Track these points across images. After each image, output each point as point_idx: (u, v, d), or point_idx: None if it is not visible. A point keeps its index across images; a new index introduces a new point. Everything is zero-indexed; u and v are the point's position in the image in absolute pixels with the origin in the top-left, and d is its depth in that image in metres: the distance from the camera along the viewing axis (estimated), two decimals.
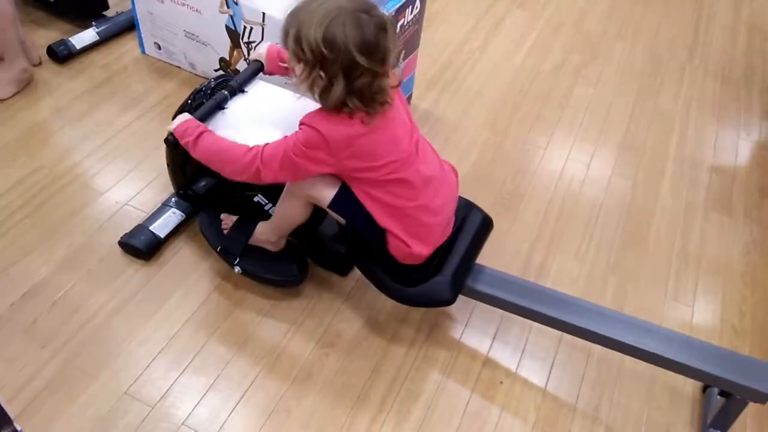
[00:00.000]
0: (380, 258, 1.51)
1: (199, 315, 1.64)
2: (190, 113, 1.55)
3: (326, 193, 1.46)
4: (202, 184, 1.74)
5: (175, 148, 1.60)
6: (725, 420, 1.50)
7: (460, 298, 1.55)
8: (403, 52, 2.09)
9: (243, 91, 1.67)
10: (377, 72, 1.29)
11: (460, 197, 1.63)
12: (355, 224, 1.49)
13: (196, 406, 1.48)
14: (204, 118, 1.55)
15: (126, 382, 1.50)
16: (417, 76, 2.35)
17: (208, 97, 1.63)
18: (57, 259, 1.72)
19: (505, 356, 1.65)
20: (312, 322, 1.66)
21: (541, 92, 2.50)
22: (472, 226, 1.63)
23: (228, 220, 1.72)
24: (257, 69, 1.68)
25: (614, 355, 1.60)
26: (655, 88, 2.60)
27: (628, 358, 1.55)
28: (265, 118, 1.61)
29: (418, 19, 2.10)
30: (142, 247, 1.72)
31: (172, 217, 1.79)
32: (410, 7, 2.00)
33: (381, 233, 1.46)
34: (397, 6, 1.92)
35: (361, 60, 1.26)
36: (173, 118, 1.56)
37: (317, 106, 1.37)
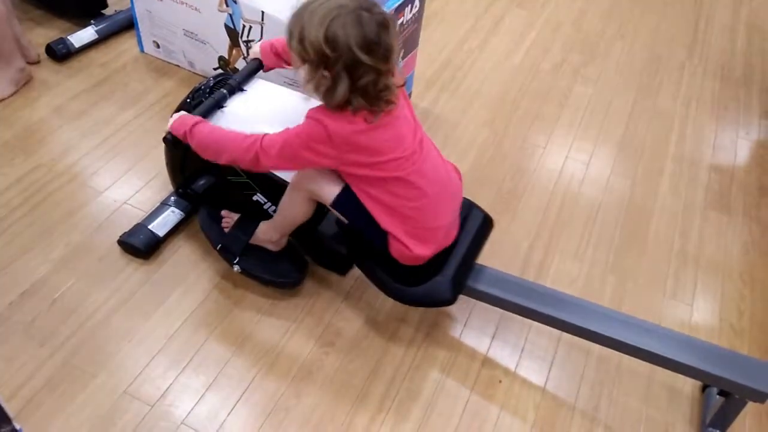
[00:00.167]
0: (381, 258, 1.51)
1: (199, 314, 1.64)
2: (189, 112, 1.55)
3: (330, 191, 1.45)
4: (201, 182, 1.74)
5: (174, 146, 1.60)
6: (724, 419, 1.50)
7: (460, 297, 1.55)
8: (402, 51, 2.09)
9: (242, 90, 1.67)
10: (381, 70, 1.30)
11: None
12: (356, 224, 1.49)
13: (195, 405, 1.48)
14: (203, 116, 1.55)
15: (125, 381, 1.50)
16: (416, 75, 2.35)
17: (207, 96, 1.63)
18: (56, 257, 1.72)
19: (504, 355, 1.65)
20: (311, 321, 1.66)
21: (540, 91, 2.50)
22: (473, 225, 1.62)
23: (229, 218, 1.72)
24: (256, 67, 1.68)
25: (613, 355, 1.60)
26: (655, 88, 2.60)
27: (626, 358, 1.55)
28: (264, 116, 1.60)
29: (418, 18, 2.10)
30: (141, 246, 1.72)
31: (171, 215, 1.79)
32: (409, 5, 2.00)
33: (382, 234, 1.46)
34: (397, 5, 1.92)
35: (364, 57, 1.26)
36: (171, 116, 1.56)
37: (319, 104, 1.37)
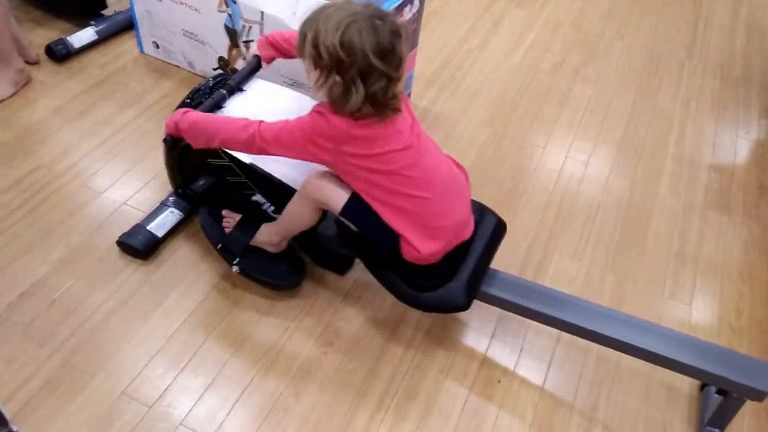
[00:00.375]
0: (393, 263, 1.51)
1: (198, 314, 1.64)
2: None
3: (339, 200, 1.46)
4: (200, 183, 1.74)
5: (173, 147, 1.60)
6: (723, 418, 1.50)
7: None
8: None
9: (241, 90, 1.67)
10: (392, 77, 1.31)
11: (473, 201, 1.60)
12: (367, 230, 1.50)
13: (194, 405, 1.48)
14: None
15: (124, 381, 1.50)
16: (416, 75, 2.35)
17: (207, 96, 1.64)
18: (55, 258, 1.72)
19: (503, 355, 1.65)
20: (310, 320, 1.66)
21: (539, 91, 2.50)
22: (486, 230, 1.61)
23: (230, 218, 1.72)
24: (255, 67, 1.68)
25: (612, 354, 1.60)
26: (654, 88, 2.60)
27: (625, 357, 1.55)
28: (263, 116, 1.60)
29: (417, 18, 2.10)
30: (140, 246, 1.72)
31: (170, 216, 1.79)
32: (409, 5, 2.00)
33: (393, 238, 1.46)
34: (396, 4, 1.92)
35: (378, 64, 1.28)
36: None
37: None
